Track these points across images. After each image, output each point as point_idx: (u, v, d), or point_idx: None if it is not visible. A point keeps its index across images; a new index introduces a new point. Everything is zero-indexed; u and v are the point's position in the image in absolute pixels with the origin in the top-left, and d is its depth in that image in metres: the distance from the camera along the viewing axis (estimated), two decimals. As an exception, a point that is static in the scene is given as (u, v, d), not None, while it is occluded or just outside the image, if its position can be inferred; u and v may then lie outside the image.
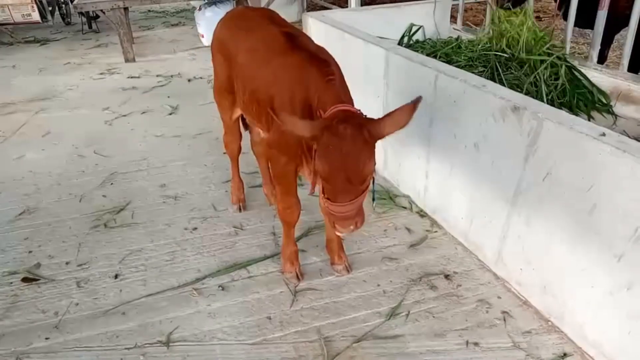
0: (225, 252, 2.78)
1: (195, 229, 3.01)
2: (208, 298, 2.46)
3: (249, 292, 2.50)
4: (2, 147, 4.23)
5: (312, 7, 8.79)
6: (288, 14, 8.02)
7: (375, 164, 1.76)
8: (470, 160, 2.53)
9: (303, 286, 2.51)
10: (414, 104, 1.74)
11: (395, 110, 1.75)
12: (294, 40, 2.22)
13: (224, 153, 3.33)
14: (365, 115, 1.84)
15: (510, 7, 3.56)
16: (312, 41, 2.39)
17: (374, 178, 1.86)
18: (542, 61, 2.95)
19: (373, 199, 2.12)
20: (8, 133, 4.50)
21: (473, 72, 2.86)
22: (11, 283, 2.62)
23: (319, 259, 2.69)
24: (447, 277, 2.54)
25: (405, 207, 3.10)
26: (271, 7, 6.59)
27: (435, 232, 2.87)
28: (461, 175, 2.63)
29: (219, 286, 2.54)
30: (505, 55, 3.08)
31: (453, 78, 2.53)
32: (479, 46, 3.36)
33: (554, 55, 2.95)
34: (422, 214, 3.03)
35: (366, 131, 1.68)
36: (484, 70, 3.19)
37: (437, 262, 2.65)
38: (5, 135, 4.45)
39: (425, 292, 2.45)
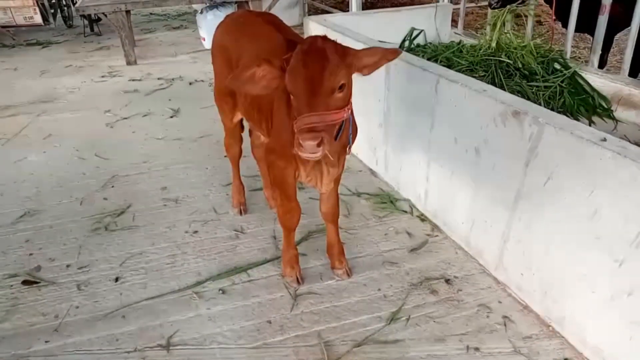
0: (226, 256, 2.78)
1: (196, 232, 3.01)
2: (208, 302, 2.46)
3: (250, 295, 2.49)
4: (4, 150, 4.23)
5: (313, 11, 8.81)
6: (289, 17, 8.06)
7: (345, 86, 1.71)
8: (471, 164, 2.53)
9: (303, 290, 2.51)
10: (395, 50, 1.78)
11: (375, 47, 1.79)
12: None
13: (225, 156, 3.33)
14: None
15: (495, 7, 3.53)
16: None
17: (349, 121, 1.83)
18: (546, 69, 2.96)
19: (349, 142, 2.02)
20: (9, 135, 4.50)
21: (474, 77, 2.86)
22: (11, 286, 2.62)
23: (319, 262, 2.69)
24: (447, 281, 2.53)
25: (405, 211, 3.10)
26: (272, 11, 6.62)
27: (436, 236, 2.87)
28: (462, 180, 2.63)
29: (219, 290, 2.54)
30: (507, 60, 3.09)
31: (454, 82, 2.54)
32: (481, 51, 3.36)
33: (566, 75, 2.95)
34: (422, 218, 3.03)
35: (338, 47, 1.70)
36: (485, 75, 3.20)
37: (438, 266, 2.64)
38: (6, 138, 4.46)
39: (426, 296, 2.45)
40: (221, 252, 2.81)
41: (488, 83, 2.81)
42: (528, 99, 2.83)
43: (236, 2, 6.79)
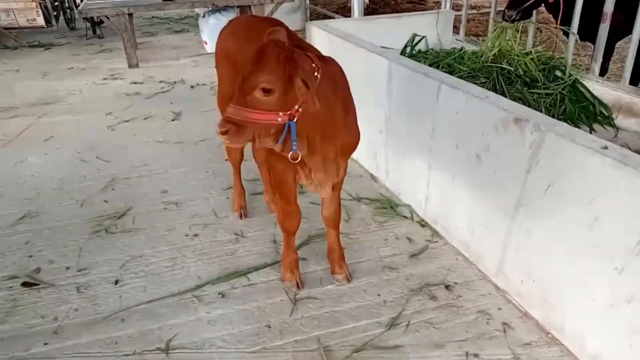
0: (226, 259, 2.78)
1: (196, 235, 3.01)
2: (208, 305, 2.46)
3: (249, 300, 2.49)
4: (4, 151, 4.24)
5: (315, 16, 8.84)
6: (291, 22, 8.06)
7: (272, 92, 1.71)
8: (471, 170, 2.53)
9: (303, 295, 2.51)
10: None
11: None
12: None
13: (226, 160, 3.34)
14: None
15: (515, 19, 3.55)
16: (319, 53, 2.38)
17: (289, 127, 1.81)
18: (547, 76, 2.98)
19: (292, 150, 1.94)
20: (10, 137, 4.51)
21: (475, 83, 2.87)
22: (11, 287, 2.62)
23: (319, 267, 2.69)
24: (447, 287, 2.53)
25: (406, 217, 3.10)
26: (274, 16, 6.63)
27: (436, 242, 2.87)
28: (463, 186, 2.63)
29: (218, 293, 2.53)
30: (508, 67, 3.10)
31: (456, 89, 2.54)
32: (482, 58, 3.37)
33: (567, 82, 2.97)
34: (423, 223, 3.03)
35: (284, 55, 1.70)
36: (486, 82, 3.21)
37: (438, 272, 2.64)
38: (7, 139, 4.46)
39: (426, 302, 2.44)
40: (221, 256, 2.81)
41: (489, 90, 2.82)
42: (529, 106, 2.84)
43: (238, 7, 6.81)
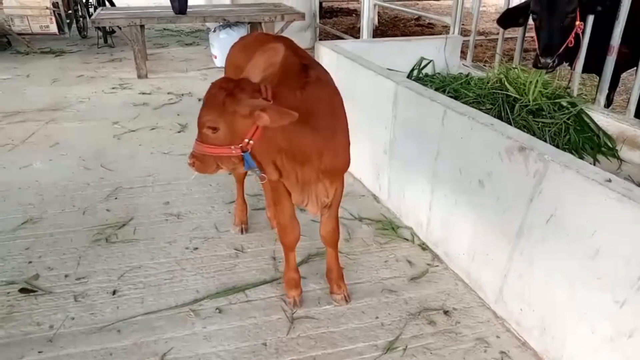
0: (225, 274, 2.77)
1: (196, 248, 3.01)
2: (205, 320, 2.45)
3: (246, 316, 2.48)
4: (10, 155, 4.26)
5: (324, 35, 8.94)
6: (300, 40, 8.15)
7: (217, 130, 1.84)
8: (474, 196, 2.54)
9: (301, 314, 2.50)
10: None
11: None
12: (310, 72, 2.23)
13: (229, 174, 3.35)
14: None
15: (552, 67, 3.41)
16: (327, 74, 2.40)
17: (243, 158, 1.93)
18: (553, 105, 2.99)
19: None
20: (17, 141, 4.54)
21: (480, 109, 2.89)
22: (8, 293, 2.61)
23: (318, 286, 2.68)
24: (446, 313, 2.52)
25: (407, 239, 3.09)
26: (284, 34, 6.72)
27: (437, 266, 2.86)
28: (465, 211, 2.63)
29: (216, 308, 2.52)
30: (515, 95, 3.12)
31: (461, 115, 2.56)
32: (489, 84, 3.40)
33: (572, 112, 2.98)
34: (424, 246, 3.02)
35: (229, 95, 1.80)
36: (491, 108, 3.23)
37: (437, 297, 2.63)
38: (14, 144, 4.50)
39: (424, 327, 2.42)
40: (220, 271, 2.81)
41: (494, 116, 2.84)
42: (534, 134, 2.85)
43: (249, 23, 6.90)
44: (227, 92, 1.81)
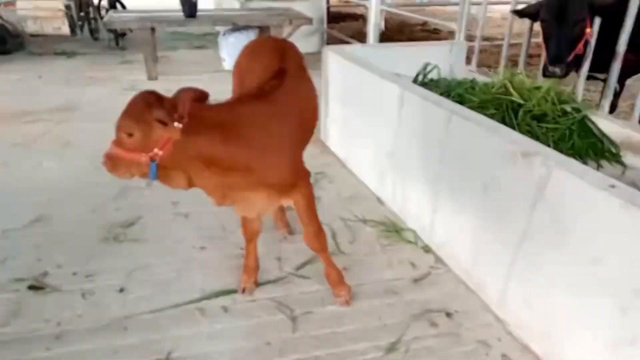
0: (231, 274, 2.81)
1: (203, 248, 3.05)
2: (210, 319, 2.48)
3: (251, 316, 2.51)
4: (21, 154, 4.34)
5: (332, 40, 8.98)
6: (308, 45, 8.21)
7: (132, 135, 1.90)
8: (478, 200, 2.56)
9: (304, 314, 2.53)
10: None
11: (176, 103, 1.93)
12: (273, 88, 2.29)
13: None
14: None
15: (561, 75, 3.39)
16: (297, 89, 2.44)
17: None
18: (557, 111, 3.01)
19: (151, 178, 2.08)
20: (28, 141, 4.61)
21: (485, 114, 2.91)
22: (17, 290, 2.66)
23: (321, 287, 2.71)
24: (448, 315, 2.54)
25: (410, 241, 3.12)
26: (292, 38, 6.76)
27: (439, 268, 2.88)
28: (468, 214, 2.66)
29: (221, 307, 2.56)
30: (519, 100, 3.13)
31: (466, 119, 2.59)
32: (493, 89, 3.41)
33: (576, 118, 2.99)
34: (427, 249, 3.04)
35: (147, 109, 1.89)
36: (495, 113, 3.25)
37: (440, 299, 2.65)
38: (25, 143, 4.57)
39: (426, 328, 2.45)
40: (226, 270, 2.84)
41: (498, 121, 2.86)
42: (538, 139, 2.86)
43: (258, 27, 6.96)
44: (146, 103, 1.91)
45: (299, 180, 2.34)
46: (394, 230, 3.21)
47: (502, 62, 4.25)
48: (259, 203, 2.30)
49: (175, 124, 1.88)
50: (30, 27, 7.86)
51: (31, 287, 2.68)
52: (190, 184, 2.11)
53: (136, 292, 2.66)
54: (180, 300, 2.60)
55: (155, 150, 1.93)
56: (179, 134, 1.89)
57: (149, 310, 2.52)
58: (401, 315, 2.53)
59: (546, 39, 3.46)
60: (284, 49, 2.63)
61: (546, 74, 3.43)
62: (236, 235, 3.16)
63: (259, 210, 2.40)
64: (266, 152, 2.17)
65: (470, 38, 4.85)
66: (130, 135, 1.90)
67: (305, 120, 2.50)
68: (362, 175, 3.88)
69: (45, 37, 8.06)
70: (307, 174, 2.44)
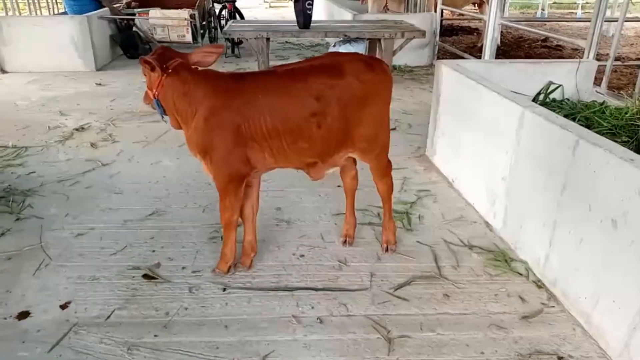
0: (328, 285, 2.80)
1: (302, 256, 3.08)
2: (306, 328, 2.49)
3: (346, 331, 2.48)
4: (144, 151, 4.71)
5: (444, 53, 8.77)
6: (418, 58, 8.11)
7: (145, 74, 2.65)
8: (604, 236, 2.31)
9: (401, 337, 2.44)
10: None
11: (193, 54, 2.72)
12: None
13: (339, 186, 3.39)
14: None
15: None
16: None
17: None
18: None
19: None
20: (150, 139, 5.01)
21: (616, 141, 2.65)
22: (133, 277, 2.87)
23: (420, 312, 2.60)
24: (560, 359, 2.31)
25: (521, 274, 2.90)
26: (403, 51, 6.70)
27: (552, 307, 2.65)
28: (591, 250, 2.41)
29: (317, 318, 2.56)
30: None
31: (596, 146, 2.36)
32: (627, 115, 3.10)
33: None
34: (539, 284, 2.81)
35: (152, 57, 2.57)
36: (628, 141, 2.95)
37: (551, 340, 2.42)
38: (147, 141, 4.96)
39: (534, 371, 2.25)
40: (323, 281, 2.84)
41: (632, 150, 2.58)
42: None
43: (368, 39, 6.97)
44: (154, 53, 2.56)
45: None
46: (503, 259, 3.01)
47: (639, 84, 3.85)
48: (193, 147, 2.73)
49: (162, 72, 2.51)
50: (159, 35, 8.57)
51: (145, 276, 2.88)
52: (179, 125, 2.70)
53: (238, 292, 2.75)
54: (278, 306, 2.64)
55: (153, 90, 2.59)
56: (160, 77, 2.53)
57: (248, 312, 2.59)
58: (506, 352, 2.35)
59: None
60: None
61: None
62: (334, 246, 3.17)
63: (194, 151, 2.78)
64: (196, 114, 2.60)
65: (597, 57, 4.45)
66: (144, 75, 2.61)
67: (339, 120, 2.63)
68: (470, 197, 3.70)
69: (171, 44, 8.73)
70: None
